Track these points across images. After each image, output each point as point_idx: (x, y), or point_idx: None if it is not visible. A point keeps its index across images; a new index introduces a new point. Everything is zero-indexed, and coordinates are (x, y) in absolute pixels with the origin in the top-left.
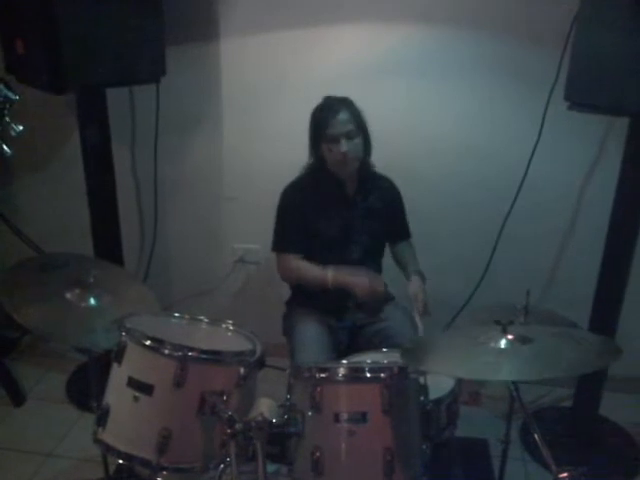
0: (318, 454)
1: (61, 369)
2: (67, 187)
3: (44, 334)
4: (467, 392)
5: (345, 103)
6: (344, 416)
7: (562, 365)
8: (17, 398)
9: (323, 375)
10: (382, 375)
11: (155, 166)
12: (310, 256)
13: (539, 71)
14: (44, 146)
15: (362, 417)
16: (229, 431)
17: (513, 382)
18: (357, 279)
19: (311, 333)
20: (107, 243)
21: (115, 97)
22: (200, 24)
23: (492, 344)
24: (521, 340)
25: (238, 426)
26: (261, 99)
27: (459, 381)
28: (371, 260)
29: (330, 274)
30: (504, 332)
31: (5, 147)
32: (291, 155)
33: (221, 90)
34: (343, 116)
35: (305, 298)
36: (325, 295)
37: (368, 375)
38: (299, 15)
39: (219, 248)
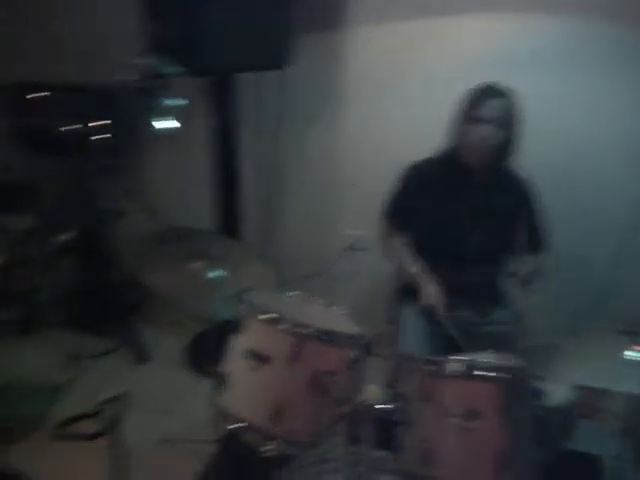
0: (426, 445)
1: (179, 336)
2: (195, 166)
3: (170, 301)
4: (584, 403)
5: (507, 92)
6: (457, 412)
7: None
8: (141, 357)
9: (438, 368)
10: (500, 375)
11: (277, 151)
12: (422, 240)
13: None
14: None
15: (476, 415)
16: (338, 412)
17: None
18: (428, 287)
19: (419, 325)
20: (229, 221)
21: (242, 83)
22: (327, 13)
23: (618, 354)
24: None
25: (347, 408)
26: (383, 89)
27: (577, 390)
28: (488, 264)
29: (413, 268)
30: (633, 343)
31: (169, 122)
32: (410, 145)
33: (343, 79)
34: (497, 102)
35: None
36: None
37: (487, 374)
38: (426, 5)
39: (332, 234)
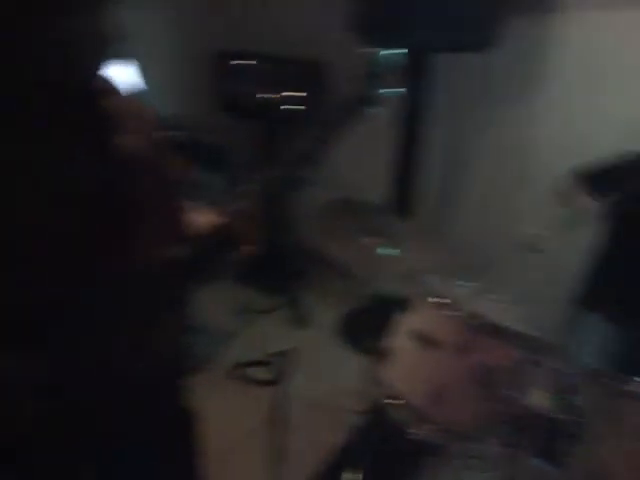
0: (601, 468)
1: (339, 306)
2: (374, 141)
3: (337, 271)
4: None
5: None
6: None
7: None
8: (300, 321)
9: (626, 387)
10: None
11: (463, 136)
12: None
13: None
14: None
15: None
16: (499, 410)
17: None
18: None
19: (606, 337)
20: (404, 201)
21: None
22: None
23: None
24: None
25: (509, 408)
26: (595, 81)
27: None
28: None
29: None
30: None
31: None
32: (617, 145)
33: (549, 67)
34: None
35: (602, 299)
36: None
37: None
38: None
39: (509, 229)
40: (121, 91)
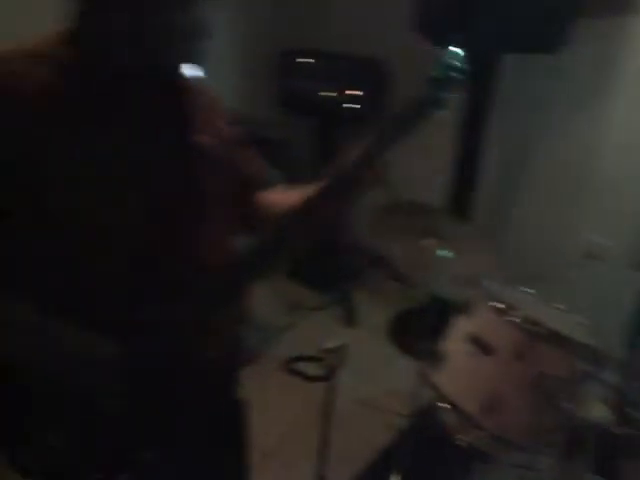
0: None
1: (391, 307)
2: (436, 144)
3: (390, 272)
4: None
5: None
6: None
7: None
8: (350, 320)
9: None
10: None
11: (528, 139)
12: None
13: None
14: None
15: None
16: (556, 421)
17: None
18: None
19: None
20: (462, 202)
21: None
22: None
23: None
24: None
25: (567, 420)
26: None
27: None
28: None
29: None
30: None
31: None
32: None
33: (624, 70)
34: None
35: None
36: None
37: None
38: None
39: (571, 236)
40: (198, 85)
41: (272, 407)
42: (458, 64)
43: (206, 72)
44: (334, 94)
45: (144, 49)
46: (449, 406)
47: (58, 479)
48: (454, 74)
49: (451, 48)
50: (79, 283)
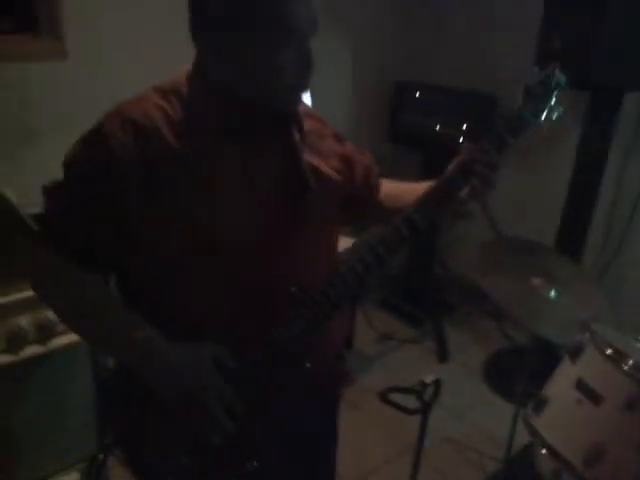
0: None
1: (485, 346)
2: (551, 177)
3: (495, 310)
4: None
5: None
6: None
7: None
8: (443, 355)
9: None
10: None
11: None
12: None
13: None
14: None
15: None
16: None
17: None
18: None
19: None
20: (572, 240)
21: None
22: None
23: None
24: None
25: None
26: None
27: None
28: None
29: None
30: None
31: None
32: None
33: None
34: None
35: None
36: None
37: None
38: None
39: None
40: (314, 114)
41: (363, 437)
42: (556, 83)
43: (317, 101)
44: (452, 130)
45: (258, 84)
46: (548, 453)
47: None
48: (550, 89)
49: (557, 71)
50: (219, 307)
